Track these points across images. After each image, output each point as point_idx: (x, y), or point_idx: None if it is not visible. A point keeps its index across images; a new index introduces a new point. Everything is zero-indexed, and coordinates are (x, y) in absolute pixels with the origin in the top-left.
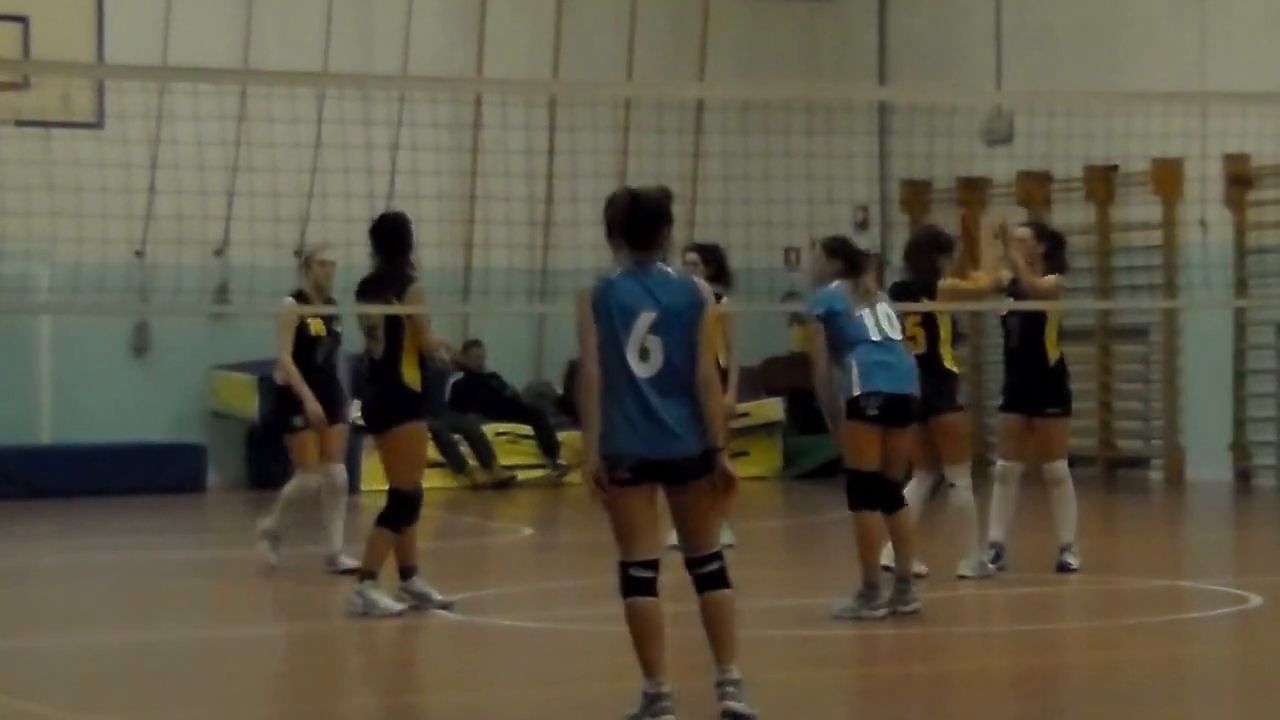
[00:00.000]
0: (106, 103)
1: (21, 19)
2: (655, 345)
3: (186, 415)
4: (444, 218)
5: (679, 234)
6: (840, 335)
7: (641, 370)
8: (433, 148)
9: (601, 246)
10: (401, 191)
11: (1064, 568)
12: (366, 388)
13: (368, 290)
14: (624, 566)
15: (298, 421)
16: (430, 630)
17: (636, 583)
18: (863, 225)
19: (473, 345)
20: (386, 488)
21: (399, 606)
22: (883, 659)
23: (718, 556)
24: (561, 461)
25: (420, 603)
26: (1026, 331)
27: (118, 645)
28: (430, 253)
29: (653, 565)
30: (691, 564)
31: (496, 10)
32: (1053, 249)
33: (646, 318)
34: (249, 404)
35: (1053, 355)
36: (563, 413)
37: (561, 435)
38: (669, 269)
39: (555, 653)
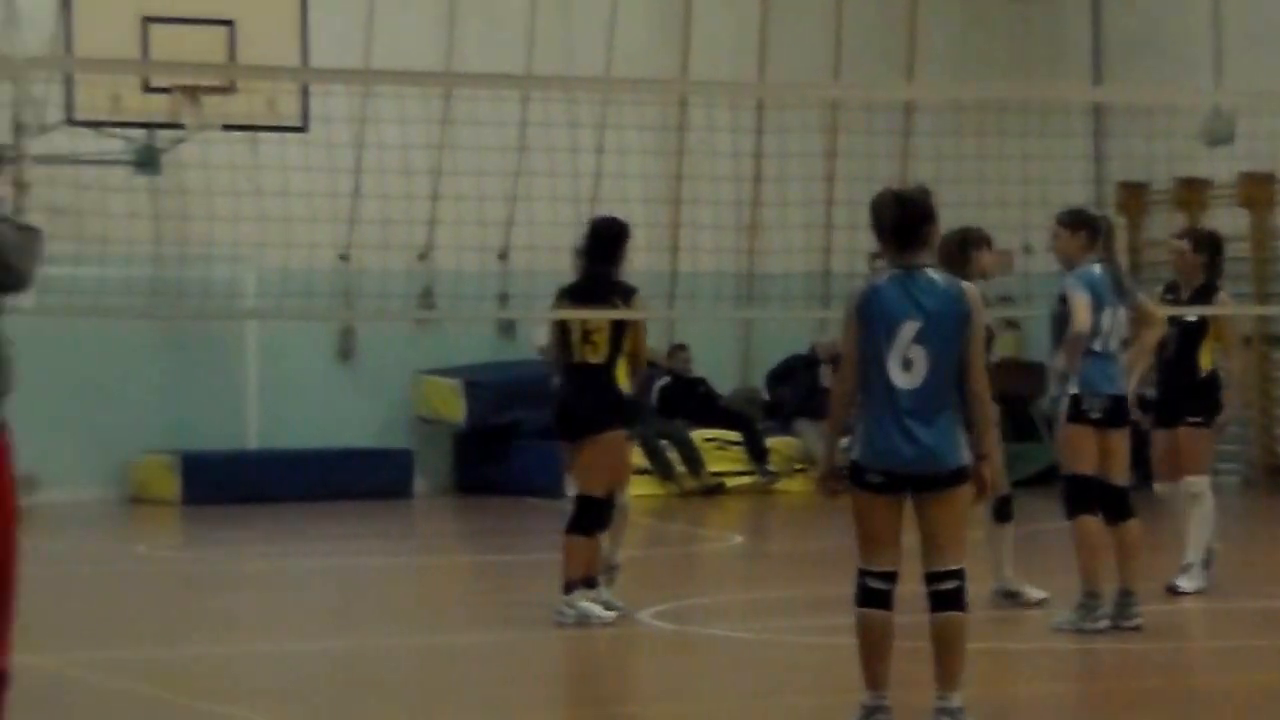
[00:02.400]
0: (311, 106)
1: (228, 23)
2: (919, 355)
3: (392, 420)
4: (650, 221)
5: None
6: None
7: (903, 381)
8: (638, 151)
9: (812, 250)
10: (607, 195)
11: (1172, 590)
12: (576, 394)
13: (584, 296)
14: (861, 574)
15: (632, 432)
16: (639, 640)
17: (871, 593)
18: None
19: (679, 350)
20: (577, 494)
21: (611, 615)
22: (1108, 674)
23: (957, 575)
24: (770, 468)
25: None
26: (1183, 343)
27: (325, 652)
28: (637, 256)
29: (890, 577)
30: (929, 579)
31: (702, 10)
32: (1211, 258)
33: (911, 326)
34: (455, 409)
35: (1205, 367)
36: (770, 418)
37: (770, 441)
38: (936, 275)
39: (767, 664)
